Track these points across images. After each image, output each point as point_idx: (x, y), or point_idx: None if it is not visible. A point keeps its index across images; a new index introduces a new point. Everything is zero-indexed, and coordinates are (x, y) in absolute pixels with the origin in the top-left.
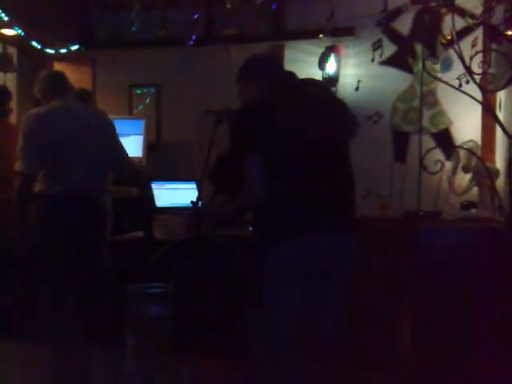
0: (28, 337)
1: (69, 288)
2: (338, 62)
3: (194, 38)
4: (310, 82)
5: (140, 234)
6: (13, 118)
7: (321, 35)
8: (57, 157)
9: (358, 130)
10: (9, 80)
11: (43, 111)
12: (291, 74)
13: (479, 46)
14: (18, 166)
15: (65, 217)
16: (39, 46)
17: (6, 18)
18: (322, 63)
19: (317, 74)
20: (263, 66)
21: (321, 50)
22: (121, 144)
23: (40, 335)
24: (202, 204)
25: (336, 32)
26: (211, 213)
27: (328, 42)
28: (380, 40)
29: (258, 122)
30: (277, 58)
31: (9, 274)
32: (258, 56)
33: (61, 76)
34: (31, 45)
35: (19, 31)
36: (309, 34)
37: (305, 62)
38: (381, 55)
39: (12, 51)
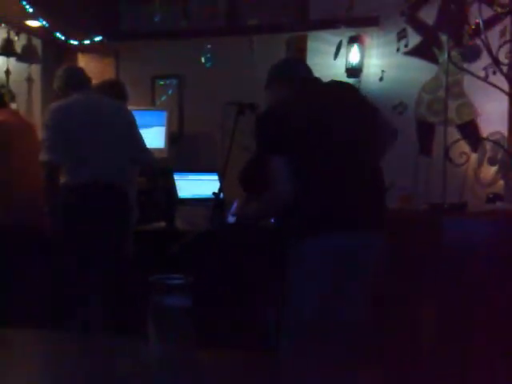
0: (49, 325)
1: (92, 277)
2: (362, 52)
3: (216, 28)
4: (335, 83)
5: (163, 224)
6: (36, 109)
7: (344, 25)
8: (79, 148)
9: (394, 140)
10: (33, 71)
11: (65, 103)
12: (316, 79)
13: (508, 36)
14: (41, 156)
15: (89, 207)
16: (63, 38)
17: (30, 10)
18: (337, 53)
19: (340, 65)
20: (288, 72)
21: (344, 41)
22: (140, 138)
23: (63, 324)
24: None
25: (360, 22)
26: (248, 217)
27: (351, 32)
28: (404, 30)
29: (282, 124)
30: (303, 63)
31: (35, 263)
32: (283, 61)
33: (77, 70)
34: (55, 36)
35: (43, 22)
36: (332, 24)
37: (327, 53)
38: (405, 45)
39: (36, 43)
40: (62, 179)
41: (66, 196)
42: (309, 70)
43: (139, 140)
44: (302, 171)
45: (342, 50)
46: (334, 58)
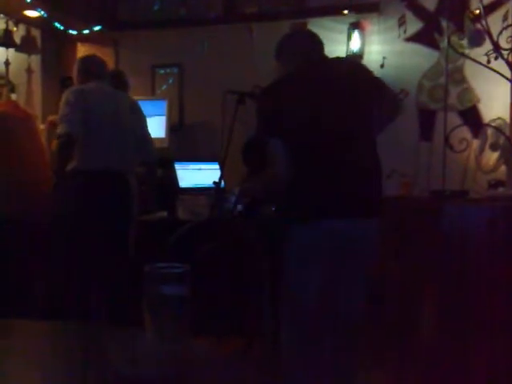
0: (49, 313)
1: (97, 263)
2: (363, 38)
3: (215, 16)
4: (338, 61)
5: (164, 214)
6: (37, 100)
7: (345, 11)
8: (92, 134)
9: (399, 111)
10: (33, 62)
11: (87, 87)
12: (320, 56)
13: (510, 21)
14: (60, 129)
15: (98, 193)
16: (62, 28)
17: (28, 0)
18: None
19: (341, 52)
20: (292, 44)
21: (345, 27)
22: (148, 132)
23: (63, 312)
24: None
25: (360, 8)
26: (244, 192)
27: (352, 18)
28: (404, 16)
29: (275, 105)
30: (312, 37)
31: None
32: (295, 33)
33: (100, 60)
34: (54, 26)
35: (42, 12)
36: (332, 11)
37: (328, 40)
38: (405, 31)
39: (36, 33)
40: (70, 165)
41: (76, 182)
42: (317, 45)
43: (148, 134)
44: (294, 154)
45: (343, 37)
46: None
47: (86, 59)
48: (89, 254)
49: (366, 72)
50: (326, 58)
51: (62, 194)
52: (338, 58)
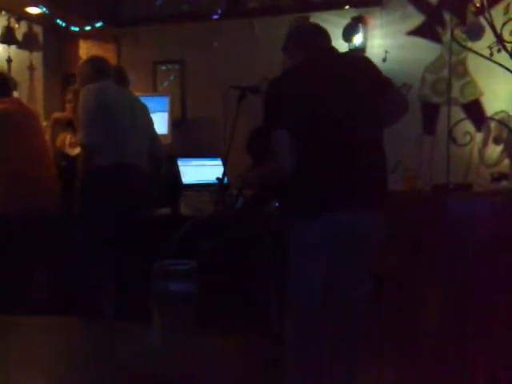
0: (58, 308)
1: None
2: (365, 32)
3: (217, 11)
4: (345, 55)
5: (167, 210)
6: (39, 97)
7: (347, 6)
8: (112, 130)
9: (403, 111)
10: (35, 58)
11: (103, 86)
12: (328, 49)
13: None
14: (81, 138)
15: (119, 187)
16: (64, 24)
17: None
18: (347, 35)
19: (342, 46)
20: (301, 36)
21: (347, 22)
22: (155, 130)
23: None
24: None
25: (362, 2)
26: (246, 181)
27: (354, 12)
28: (407, 9)
29: (281, 97)
30: (320, 30)
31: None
32: (301, 26)
33: (105, 60)
34: (56, 23)
35: (44, 9)
36: (334, 5)
37: (331, 34)
38: (408, 25)
39: (37, 30)
40: (97, 160)
41: (97, 177)
42: (324, 38)
43: (154, 130)
44: (299, 146)
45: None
46: (345, 40)
47: (96, 59)
48: (115, 246)
49: (373, 67)
50: (333, 50)
51: (90, 189)
52: (346, 52)
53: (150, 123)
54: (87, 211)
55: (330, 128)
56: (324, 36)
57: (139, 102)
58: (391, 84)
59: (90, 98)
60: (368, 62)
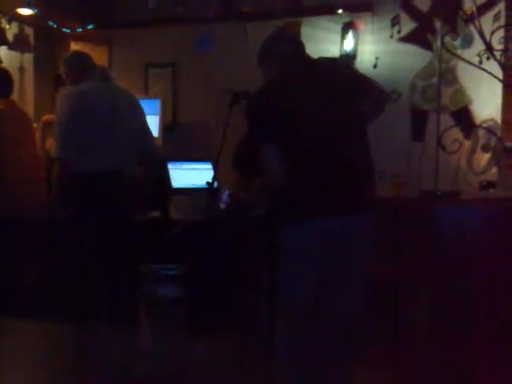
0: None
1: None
2: (356, 38)
3: (210, 15)
4: (322, 61)
5: (156, 214)
6: (29, 98)
7: (339, 11)
8: (92, 135)
9: (384, 103)
10: (26, 60)
11: (82, 90)
12: (303, 57)
13: (502, 21)
14: (55, 151)
15: (101, 193)
16: (55, 26)
17: None
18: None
19: (334, 51)
20: (278, 48)
21: (338, 27)
22: (148, 126)
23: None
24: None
25: (353, 8)
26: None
27: (345, 18)
28: (398, 16)
29: (265, 110)
30: (294, 38)
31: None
32: (273, 36)
33: (85, 56)
34: (47, 24)
35: (35, 11)
36: (326, 10)
37: (322, 39)
38: (399, 32)
39: (28, 31)
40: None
41: (78, 183)
42: (298, 46)
43: (148, 129)
44: (287, 156)
45: (336, 37)
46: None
47: (77, 56)
48: (95, 253)
49: (348, 68)
50: (308, 58)
51: (63, 196)
52: (319, 58)
53: (139, 119)
54: (67, 219)
55: (316, 135)
56: (296, 44)
57: (127, 96)
58: (369, 81)
59: (64, 104)
60: (342, 64)
